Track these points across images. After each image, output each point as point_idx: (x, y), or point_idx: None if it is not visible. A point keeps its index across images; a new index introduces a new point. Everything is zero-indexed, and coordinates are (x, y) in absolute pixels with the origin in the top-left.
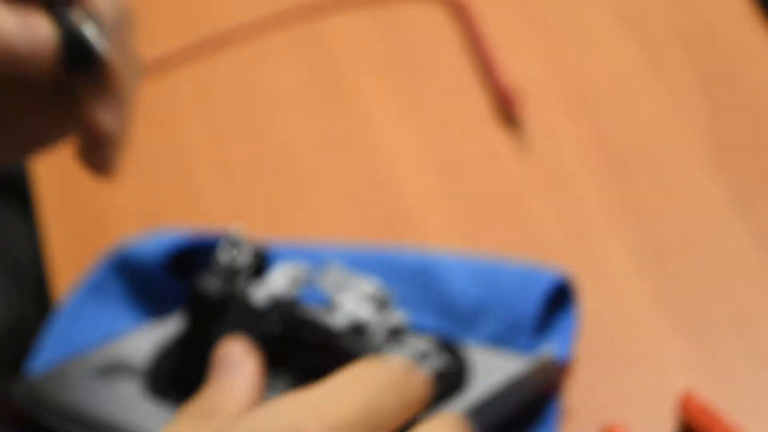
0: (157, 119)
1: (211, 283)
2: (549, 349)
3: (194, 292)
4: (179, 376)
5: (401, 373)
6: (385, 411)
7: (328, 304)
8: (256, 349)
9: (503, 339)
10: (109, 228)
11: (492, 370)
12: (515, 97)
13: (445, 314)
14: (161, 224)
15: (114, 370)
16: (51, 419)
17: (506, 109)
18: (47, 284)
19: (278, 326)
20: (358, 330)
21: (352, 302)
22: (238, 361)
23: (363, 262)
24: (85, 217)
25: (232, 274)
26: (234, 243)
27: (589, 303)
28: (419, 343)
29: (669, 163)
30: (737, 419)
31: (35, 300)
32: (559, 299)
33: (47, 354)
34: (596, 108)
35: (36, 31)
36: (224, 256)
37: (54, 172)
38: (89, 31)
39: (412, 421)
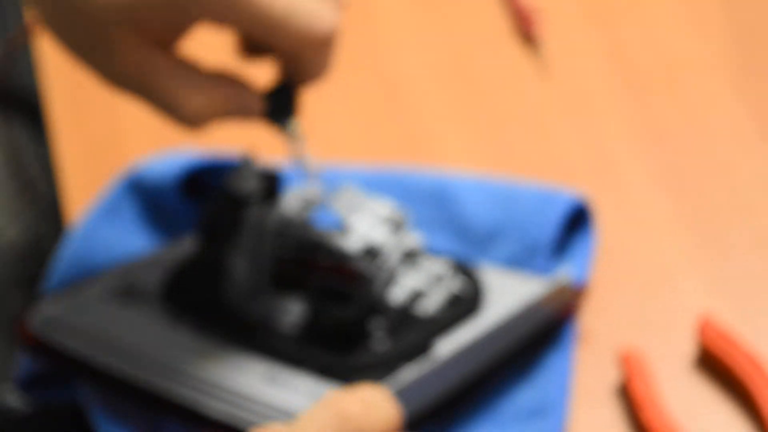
0: None
1: (222, 207)
2: (566, 272)
3: (205, 215)
4: (193, 298)
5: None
6: None
7: (342, 226)
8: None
9: (520, 261)
10: (122, 149)
11: (508, 292)
12: (534, 16)
13: (462, 236)
14: (174, 145)
15: (128, 292)
16: (66, 341)
17: (525, 29)
18: (61, 205)
19: (291, 249)
20: (371, 252)
21: (365, 224)
22: None
23: (378, 184)
24: (97, 137)
25: (243, 197)
26: (246, 166)
27: (607, 225)
28: (434, 266)
29: (691, 84)
30: (756, 342)
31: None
32: (576, 221)
33: (62, 275)
34: (617, 28)
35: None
36: (236, 179)
37: (66, 94)
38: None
39: None
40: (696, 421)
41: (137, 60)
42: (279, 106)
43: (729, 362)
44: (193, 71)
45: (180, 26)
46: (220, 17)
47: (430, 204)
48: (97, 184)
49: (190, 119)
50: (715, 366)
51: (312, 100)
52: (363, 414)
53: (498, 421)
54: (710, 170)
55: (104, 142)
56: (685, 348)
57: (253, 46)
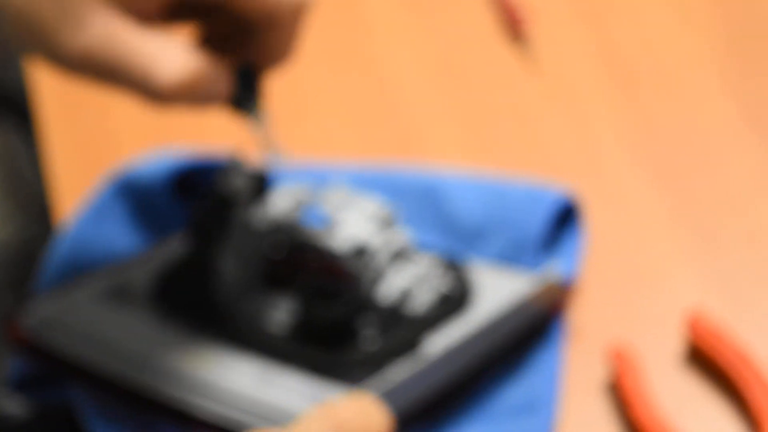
0: None
1: (212, 207)
2: (555, 268)
3: (195, 216)
4: (183, 298)
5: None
6: None
7: (330, 225)
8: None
9: (509, 258)
10: (113, 150)
11: (497, 289)
12: (522, 13)
13: (451, 232)
14: (165, 145)
15: (119, 292)
16: (57, 342)
17: (513, 25)
18: (51, 206)
19: (280, 249)
20: (360, 251)
21: (354, 223)
22: None
23: (367, 182)
24: (88, 138)
25: (232, 196)
26: (235, 166)
27: (596, 221)
28: (423, 263)
29: (681, 80)
30: (746, 338)
31: (42, 221)
32: (565, 217)
33: (52, 276)
34: (606, 25)
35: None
36: (225, 178)
37: (57, 94)
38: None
39: None
40: (686, 417)
41: (109, 27)
42: (243, 91)
43: (719, 358)
44: (168, 37)
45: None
46: None
47: (419, 201)
48: (87, 184)
49: (162, 91)
50: (705, 362)
51: (301, 98)
52: (356, 421)
53: (488, 418)
54: (700, 166)
55: (95, 142)
56: (675, 344)
57: (180, 8)
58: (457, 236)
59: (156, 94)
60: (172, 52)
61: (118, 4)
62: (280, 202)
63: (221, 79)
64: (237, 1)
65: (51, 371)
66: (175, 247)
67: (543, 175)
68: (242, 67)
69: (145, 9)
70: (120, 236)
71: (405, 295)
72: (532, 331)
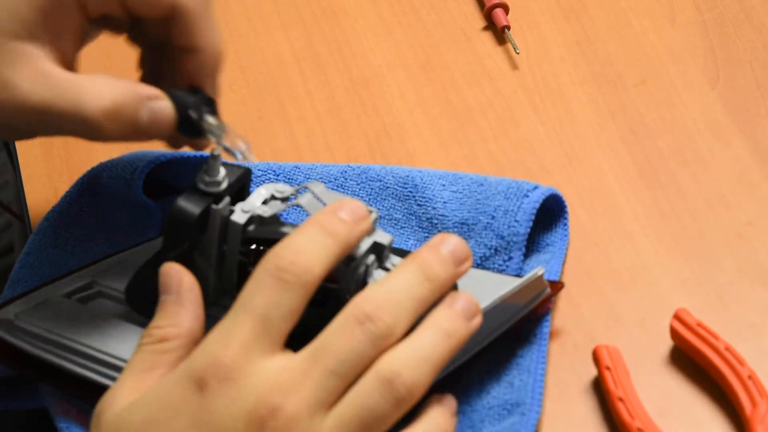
0: None
1: (189, 207)
2: (538, 269)
3: (172, 215)
4: (158, 300)
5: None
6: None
7: None
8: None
9: (492, 258)
10: (86, 149)
11: (480, 289)
12: (502, 8)
13: (433, 232)
14: (138, 148)
15: (92, 294)
16: (28, 345)
17: (494, 20)
18: (25, 205)
19: (258, 248)
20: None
21: None
22: (176, 288)
23: (348, 180)
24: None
25: (210, 194)
26: (213, 164)
27: (580, 221)
28: None
29: (664, 76)
30: (729, 337)
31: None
32: (549, 217)
33: (23, 277)
34: (587, 20)
35: (161, 116)
36: (203, 178)
37: None
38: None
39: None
40: (670, 416)
41: (41, 68)
42: (184, 102)
43: (703, 357)
44: (93, 77)
45: (69, 33)
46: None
47: (401, 201)
48: (59, 184)
49: (94, 120)
50: (689, 361)
51: (280, 98)
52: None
53: (472, 418)
54: (684, 164)
55: (67, 142)
56: (659, 343)
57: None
58: None
59: (89, 125)
60: (99, 83)
61: (44, 50)
62: (258, 201)
63: (158, 101)
64: (133, 7)
65: (21, 375)
66: (151, 249)
67: (526, 173)
68: (187, 90)
69: (67, 50)
70: (91, 236)
71: None
72: (516, 330)
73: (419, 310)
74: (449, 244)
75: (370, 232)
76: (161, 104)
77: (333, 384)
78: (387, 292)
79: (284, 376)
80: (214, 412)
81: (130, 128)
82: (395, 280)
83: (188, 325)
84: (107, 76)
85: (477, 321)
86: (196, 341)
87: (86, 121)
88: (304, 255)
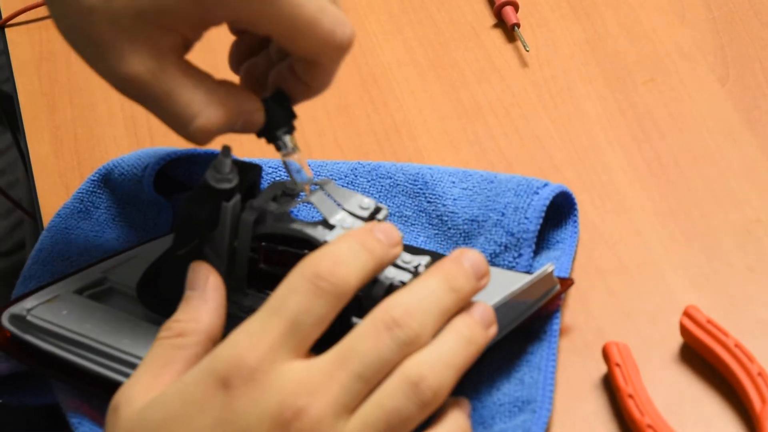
0: None
1: (199, 204)
2: (548, 266)
3: (182, 209)
4: (169, 295)
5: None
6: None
7: (321, 220)
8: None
9: (502, 255)
10: (97, 147)
11: (490, 285)
12: (513, 5)
13: (443, 228)
14: (148, 144)
15: (104, 290)
16: (40, 340)
17: (504, 18)
18: (37, 202)
19: (269, 243)
20: None
21: (345, 219)
22: (202, 285)
23: (358, 177)
24: (71, 135)
25: (221, 190)
26: (224, 159)
27: (590, 218)
28: (415, 261)
29: (675, 74)
30: (739, 334)
31: (31, 218)
32: (559, 214)
33: (35, 273)
34: (597, 17)
35: (249, 126)
36: (214, 175)
37: (40, 92)
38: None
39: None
40: (679, 413)
41: (152, 65)
42: (275, 119)
43: (712, 354)
44: (205, 82)
45: (202, 28)
46: (249, 19)
47: (410, 197)
48: (70, 181)
49: (197, 135)
50: (699, 357)
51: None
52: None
53: (483, 414)
54: (694, 161)
55: (78, 139)
56: (669, 340)
57: (247, 48)
58: (450, 232)
59: (188, 137)
60: (210, 97)
61: (167, 36)
62: (269, 197)
63: (254, 114)
64: (286, 39)
65: (33, 370)
66: (162, 244)
67: (536, 170)
68: (273, 95)
69: (190, 39)
70: (102, 231)
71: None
72: (526, 327)
73: (443, 319)
74: (471, 258)
75: None
76: (255, 116)
77: (358, 387)
78: (414, 300)
79: (309, 379)
80: (239, 413)
81: (219, 132)
82: (422, 289)
83: (208, 322)
84: (218, 86)
85: (493, 330)
86: (214, 340)
87: (186, 128)
88: (343, 266)
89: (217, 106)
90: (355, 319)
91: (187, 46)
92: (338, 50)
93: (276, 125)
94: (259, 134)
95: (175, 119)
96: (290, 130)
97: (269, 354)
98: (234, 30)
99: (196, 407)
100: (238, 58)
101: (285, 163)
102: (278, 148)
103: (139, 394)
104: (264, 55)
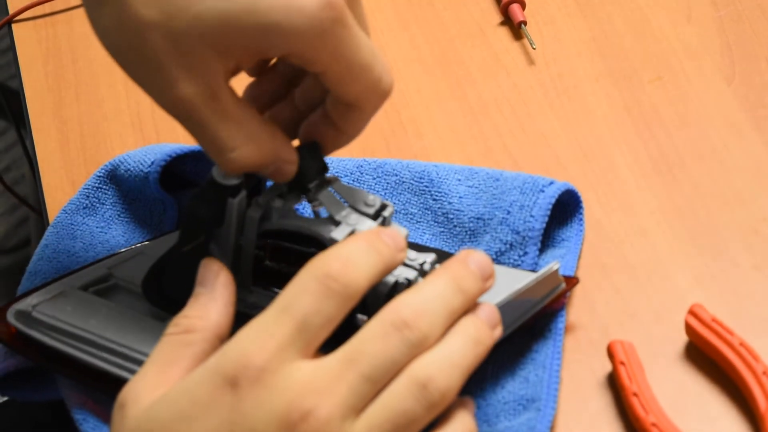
0: None
1: (204, 201)
2: (554, 264)
3: (188, 209)
4: (174, 293)
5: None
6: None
7: (327, 218)
8: (228, 269)
9: (507, 253)
10: (103, 143)
11: (496, 285)
12: (519, 3)
13: (449, 226)
14: (154, 140)
15: (109, 287)
16: (45, 336)
17: (511, 17)
18: (43, 198)
19: (275, 241)
20: None
21: (351, 217)
22: (212, 282)
23: (364, 174)
24: (77, 131)
25: (227, 188)
26: None
27: (596, 216)
28: (421, 259)
29: (680, 73)
30: (744, 333)
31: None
32: (564, 213)
33: (41, 269)
34: (604, 15)
35: (280, 175)
36: (220, 171)
37: (46, 89)
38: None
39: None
40: (684, 411)
41: (204, 91)
42: (308, 171)
43: (717, 352)
44: (252, 117)
45: (258, 57)
46: (309, 56)
47: (416, 195)
48: (76, 177)
49: (229, 166)
50: (704, 356)
51: None
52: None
53: (487, 412)
54: (700, 159)
55: (84, 136)
56: (674, 338)
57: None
58: (456, 230)
59: (220, 164)
60: (254, 137)
61: (220, 61)
62: (274, 194)
63: (287, 165)
64: (339, 80)
65: (38, 366)
66: (168, 241)
67: (541, 168)
68: (308, 144)
69: (240, 67)
70: (108, 227)
71: (404, 290)
72: (531, 326)
73: (451, 320)
74: (478, 259)
75: (386, 225)
76: (288, 167)
77: (366, 388)
78: (423, 301)
79: (317, 380)
80: (246, 414)
81: (250, 170)
82: (430, 289)
83: (216, 320)
84: (263, 126)
85: (499, 331)
86: (222, 337)
87: (220, 157)
88: (353, 267)
89: (258, 146)
90: (359, 316)
91: (235, 72)
92: (381, 97)
93: (309, 178)
94: (290, 185)
95: (214, 146)
96: (322, 184)
97: (277, 354)
98: (253, 71)
99: (203, 407)
100: (256, 103)
101: (315, 213)
102: (309, 201)
103: (145, 391)
104: (288, 104)
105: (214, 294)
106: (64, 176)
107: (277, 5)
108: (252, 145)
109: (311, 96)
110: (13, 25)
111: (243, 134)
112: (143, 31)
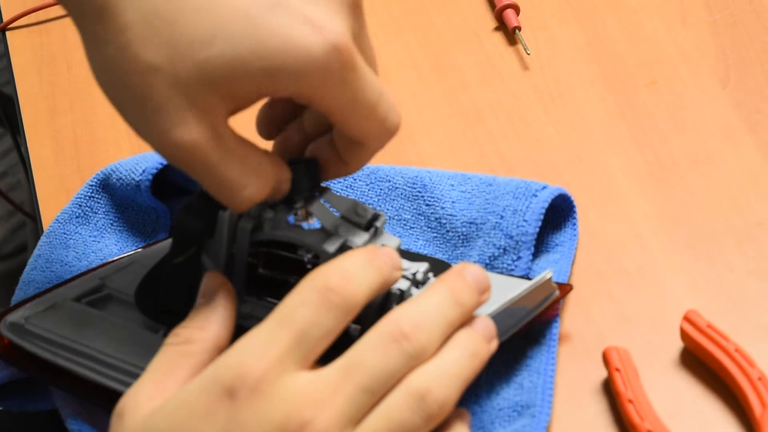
0: None
1: (195, 212)
2: (546, 272)
3: (179, 220)
4: (167, 303)
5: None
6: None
7: (319, 228)
8: (228, 282)
9: (501, 258)
10: (96, 152)
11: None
12: (513, 8)
13: (442, 234)
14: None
15: (102, 297)
16: (38, 347)
17: (505, 23)
18: (37, 208)
19: (267, 250)
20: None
21: (342, 227)
22: (213, 294)
23: (357, 182)
24: (71, 140)
25: (216, 204)
26: None
27: (591, 221)
28: (414, 267)
29: (675, 77)
30: (739, 339)
31: (31, 223)
32: (558, 217)
33: (34, 279)
34: (598, 20)
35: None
36: None
37: (40, 98)
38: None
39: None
40: (679, 418)
41: (208, 133)
42: (298, 186)
43: (712, 358)
44: (253, 151)
45: (260, 98)
46: (314, 97)
47: (409, 200)
48: (71, 185)
49: (242, 204)
50: (699, 362)
51: None
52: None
53: (482, 419)
54: (695, 164)
55: (79, 143)
56: (669, 344)
57: (279, 120)
58: (449, 236)
59: (232, 205)
60: (255, 171)
61: (222, 103)
62: (266, 204)
63: (283, 184)
64: (344, 120)
65: (32, 377)
66: (160, 250)
67: (535, 173)
68: (307, 160)
69: (239, 107)
70: (101, 236)
71: (397, 299)
72: (525, 332)
73: (449, 333)
74: (474, 272)
75: (378, 235)
76: (284, 186)
77: (364, 400)
78: (421, 313)
79: (315, 391)
80: (244, 425)
81: (259, 201)
82: (428, 302)
83: (215, 331)
84: (264, 157)
85: (495, 344)
86: (220, 349)
87: (233, 198)
88: (353, 280)
89: (265, 178)
90: (352, 326)
91: (235, 111)
92: (387, 135)
93: (301, 192)
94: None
95: (223, 188)
96: (313, 194)
97: (275, 365)
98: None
99: (201, 418)
100: (270, 125)
101: (298, 226)
102: (295, 213)
103: (144, 401)
104: (297, 127)
105: (215, 306)
106: (58, 184)
107: (283, 48)
108: (261, 179)
109: (319, 122)
110: (8, 33)
111: (249, 171)
112: (145, 74)
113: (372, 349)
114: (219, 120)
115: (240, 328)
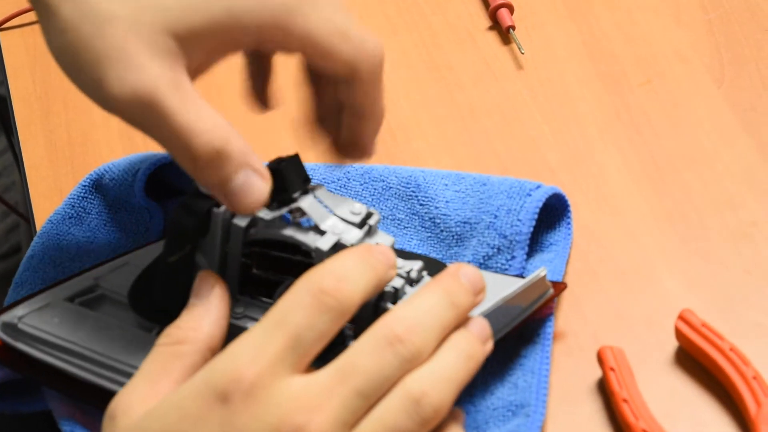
0: None
1: (190, 211)
2: (541, 270)
3: (173, 220)
4: (161, 303)
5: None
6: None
7: (312, 227)
8: (223, 281)
9: (495, 258)
10: (89, 152)
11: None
12: (508, 7)
13: (436, 233)
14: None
15: (95, 297)
16: (31, 348)
17: (500, 22)
18: (31, 208)
19: (260, 249)
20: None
21: (336, 226)
22: (207, 294)
23: (350, 181)
24: (65, 140)
25: (212, 199)
26: None
27: (586, 221)
28: (408, 267)
29: (670, 76)
30: (734, 338)
31: (25, 223)
32: (553, 217)
33: (27, 279)
34: (593, 20)
35: (249, 193)
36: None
37: (33, 97)
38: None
39: None
40: (674, 417)
41: (169, 76)
42: (288, 182)
43: (707, 358)
44: (207, 107)
45: (225, 50)
46: (281, 36)
47: (403, 200)
48: (64, 186)
49: (200, 149)
50: (694, 361)
51: (285, 97)
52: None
53: (477, 419)
54: (690, 163)
55: (72, 144)
56: (664, 343)
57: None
58: (443, 235)
59: (186, 152)
60: (219, 121)
61: (186, 54)
62: None
63: (255, 184)
64: (319, 52)
65: (25, 378)
66: (154, 251)
67: (530, 174)
68: (287, 156)
69: (202, 64)
70: (95, 236)
71: (391, 299)
72: (520, 332)
73: (443, 335)
74: (469, 273)
75: (372, 234)
76: (258, 185)
77: (359, 404)
78: (416, 316)
79: (309, 395)
80: (237, 429)
81: (216, 181)
82: (423, 304)
83: (208, 332)
84: (227, 122)
85: (490, 345)
86: (213, 350)
87: (188, 148)
88: (347, 282)
89: (225, 130)
90: (347, 326)
91: (198, 72)
92: (372, 58)
93: (293, 188)
94: (275, 195)
95: (180, 135)
96: (306, 192)
97: (269, 369)
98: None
99: (193, 421)
100: (312, 113)
101: (295, 223)
102: (291, 211)
103: (136, 403)
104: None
105: (208, 306)
106: (52, 184)
107: None
108: (220, 129)
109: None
110: (0, 33)
111: (209, 117)
112: (104, 23)
113: (366, 353)
114: (178, 68)
115: (234, 327)
